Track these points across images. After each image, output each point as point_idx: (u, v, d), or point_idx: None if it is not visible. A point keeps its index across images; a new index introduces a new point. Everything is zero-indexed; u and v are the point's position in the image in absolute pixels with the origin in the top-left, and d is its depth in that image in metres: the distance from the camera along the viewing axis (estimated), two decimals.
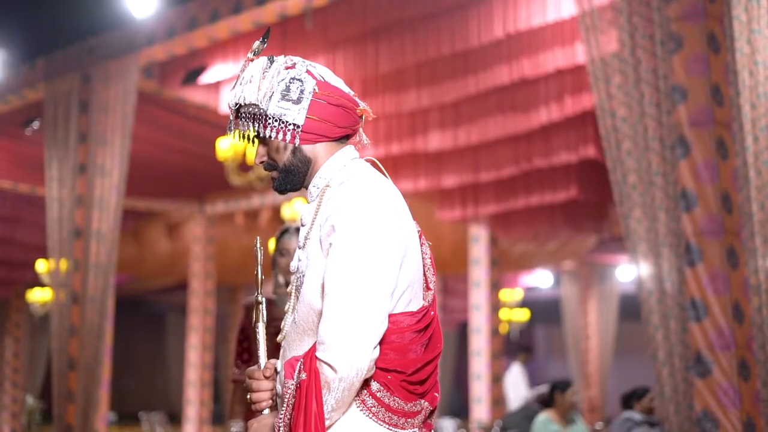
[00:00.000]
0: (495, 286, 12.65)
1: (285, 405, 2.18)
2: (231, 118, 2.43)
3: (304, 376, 2.14)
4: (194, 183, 13.83)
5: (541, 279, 19.98)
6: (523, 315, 19.04)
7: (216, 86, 10.05)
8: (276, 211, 13.52)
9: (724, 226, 5.86)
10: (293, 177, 2.39)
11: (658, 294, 6.08)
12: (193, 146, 11.66)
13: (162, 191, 14.42)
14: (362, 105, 2.42)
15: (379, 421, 2.22)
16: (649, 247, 6.13)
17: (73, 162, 9.62)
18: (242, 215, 15.28)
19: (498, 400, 12.40)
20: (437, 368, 2.32)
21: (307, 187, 2.42)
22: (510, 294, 18.35)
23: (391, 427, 2.23)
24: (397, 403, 2.23)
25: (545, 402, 7.78)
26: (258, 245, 2.46)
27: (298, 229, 4.18)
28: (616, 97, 6.32)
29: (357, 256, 2.15)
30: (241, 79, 2.38)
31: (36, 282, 15.92)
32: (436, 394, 2.34)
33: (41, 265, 14.13)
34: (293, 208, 11.52)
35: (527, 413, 8.91)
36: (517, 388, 13.58)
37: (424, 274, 2.34)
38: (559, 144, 9.49)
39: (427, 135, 9.91)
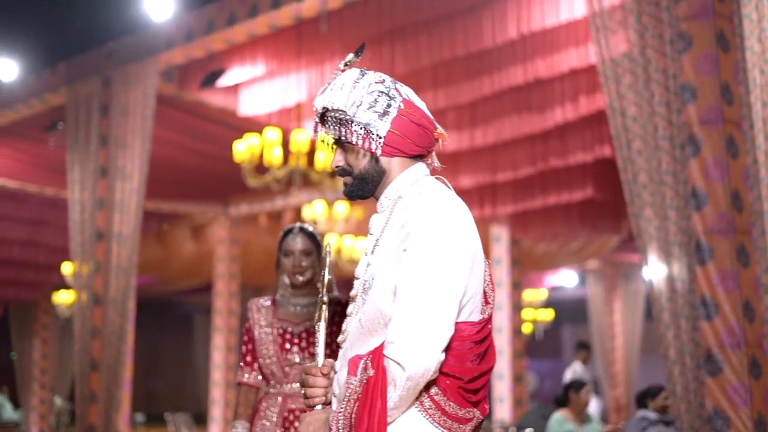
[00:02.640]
0: (516, 285, 12.67)
1: (345, 399, 2.24)
2: (315, 120, 2.52)
3: (371, 372, 2.21)
4: (217, 185, 13.92)
5: (566, 279, 19.94)
6: (548, 315, 19.01)
7: (235, 89, 10.14)
8: (299, 212, 13.58)
9: (734, 224, 5.86)
10: (366, 185, 2.47)
11: (668, 293, 6.09)
12: (215, 149, 11.74)
13: (186, 193, 14.52)
14: (440, 129, 2.51)
15: (435, 424, 2.28)
16: (659, 245, 6.14)
17: (94, 165, 9.72)
18: (265, 216, 15.36)
19: (520, 399, 12.40)
20: (489, 381, 2.40)
21: (377, 198, 2.50)
22: (534, 294, 18.33)
23: (445, 430, 2.29)
24: (452, 408, 2.29)
25: (560, 401, 7.79)
26: (328, 249, 2.58)
27: (301, 229, 4.22)
28: (626, 96, 6.33)
29: (430, 262, 2.22)
30: (331, 86, 2.47)
31: (62, 284, 16.07)
32: (486, 406, 2.41)
33: (67, 268, 14.27)
34: (313, 210, 11.60)
35: (544, 412, 8.91)
36: None
37: (484, 290, 2.41)
38: (575, 144, 9.51)
39: None
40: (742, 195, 5.89)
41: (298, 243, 4.20)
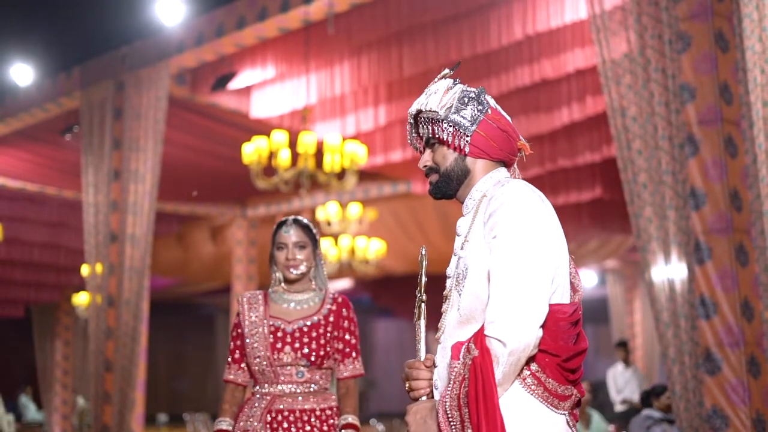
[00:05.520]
0: None
1: (451, 382, 2.36)
2: (410, 121, 2.71)
3: (476, 353, 2.30)
4: (234, 187, 13.94)
5: (585, 278, 19.89)
6: None
7: (246, 91, 10.21)
8: (315, 213, 13.61)
9: (732, 224, 5.88)
10: (450, 183, 2.63)
11: (667, 292, 6.11)
12: (230, 151, 11.77)
13: (204, 195, 14.58)
14: (522, 140, 2.66)
15: (537, 398, 2.39)
16: (658, 245, 6.16)
17: (108, 168, 9.83)
18: (283, 218, 15.38)
19: None
20: (583, 364, 2.50)
21: (461, 201, 2.65)
22: None
23: (547, 405, 2.40)
24: (552, 384, 2.39)
25: None
26: (423, 253, 2.68)
27: (295, 221, 4.09)
28: (626, 96, 6.36)
29: (520, 243, 2.34)
30: (426, 92, 2.66)
31: (83, 286, 16.16)
32: (583, 389, 2.53)
33: (86, 270, 14.37)
34: (327, 211, 11.65)
35: None
36: (625, 390, 12.75)
37: (571, 281, 2.52)
38: (583, 144, 9.52)
39: None
40: (741, 194, 5.90)
41: (291, 235, 4.04)
